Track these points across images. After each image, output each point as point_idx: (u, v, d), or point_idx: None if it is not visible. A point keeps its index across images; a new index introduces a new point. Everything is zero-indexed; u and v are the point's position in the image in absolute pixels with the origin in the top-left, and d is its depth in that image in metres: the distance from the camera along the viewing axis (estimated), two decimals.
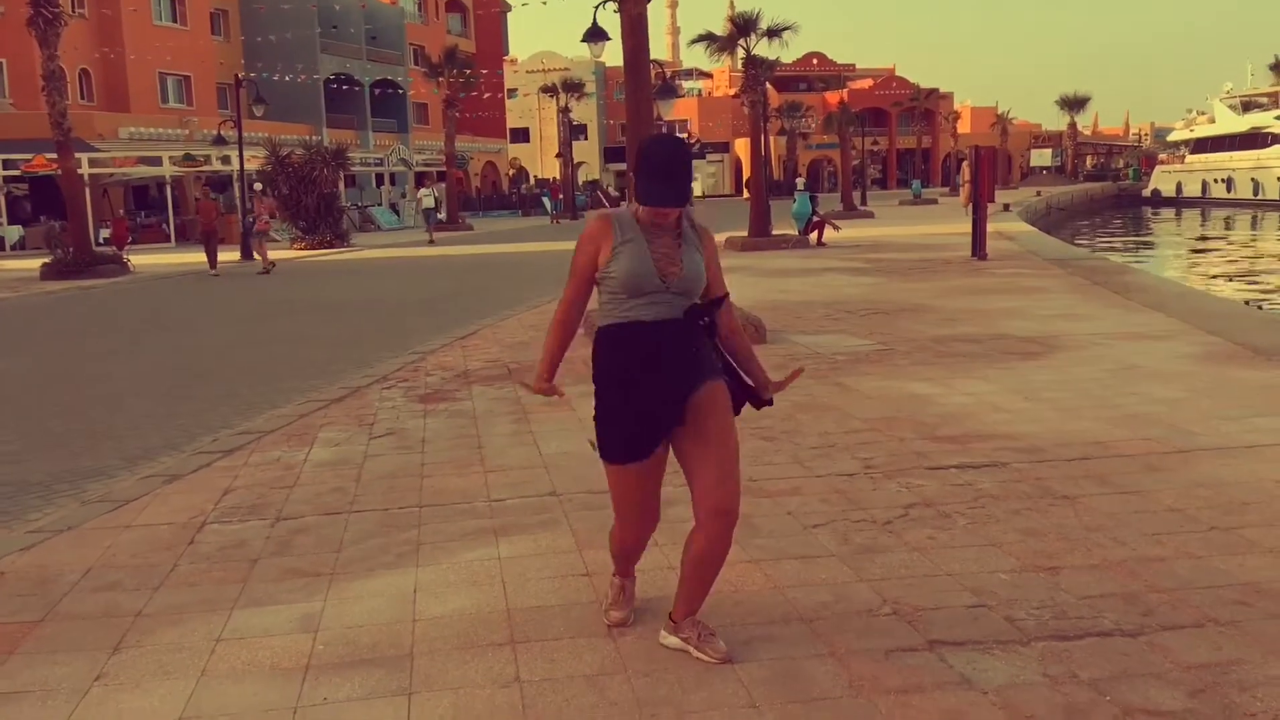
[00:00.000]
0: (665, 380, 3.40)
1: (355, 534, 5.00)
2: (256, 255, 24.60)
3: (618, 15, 10.80)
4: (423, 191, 37.25)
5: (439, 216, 37.79)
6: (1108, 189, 73.08)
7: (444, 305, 15.62)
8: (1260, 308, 14.35)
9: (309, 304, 17.03)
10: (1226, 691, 3.20)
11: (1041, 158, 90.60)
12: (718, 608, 3.94)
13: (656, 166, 3.36)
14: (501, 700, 3.32)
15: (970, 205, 19.37)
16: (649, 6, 10.72)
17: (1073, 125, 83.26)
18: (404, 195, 51.03)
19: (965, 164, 22.11)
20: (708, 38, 24.41)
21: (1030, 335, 10.06)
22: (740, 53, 24.75)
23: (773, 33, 23.58)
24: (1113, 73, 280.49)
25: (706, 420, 3.43)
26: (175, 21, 46.27)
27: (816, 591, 4.10)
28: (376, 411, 7.78)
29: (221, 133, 32.48)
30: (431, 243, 32.89)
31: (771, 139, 47.12)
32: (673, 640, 3.61)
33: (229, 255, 27.38)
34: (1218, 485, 5.22)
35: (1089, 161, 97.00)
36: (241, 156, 30.05)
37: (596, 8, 16.69)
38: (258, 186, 28.44)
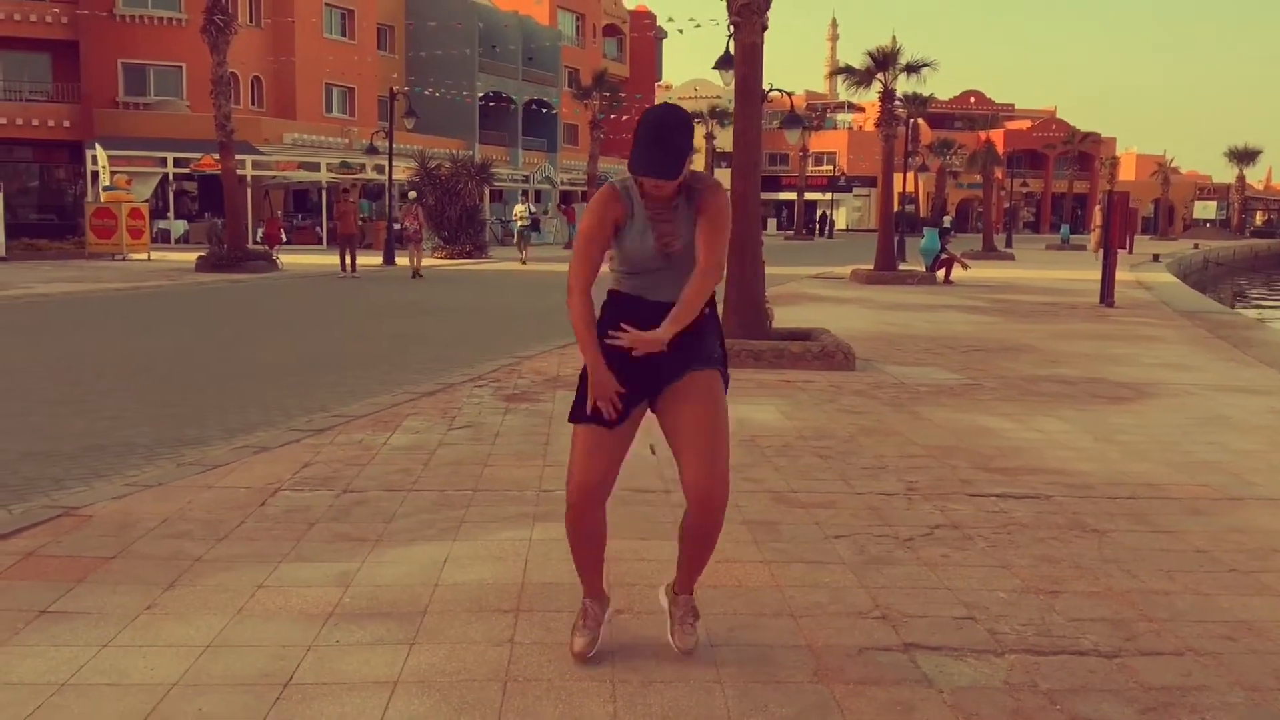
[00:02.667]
0: (650, 361, 3.43)
1: (408, 509, 5.38)
2: (411, 260, 25.31)
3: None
4: (518, 208, 33.72)
5: (536, 235, 35.32)
6: (1275, 246, 69.83)
7: (558, 314, 16.09)
8: None
9: (433, 308, 17.75)
10: (1177, 712, 3.28)
11: (1206, 210, 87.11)
12: (714, 596, 4.17)
13: (646, 132, 3.29)
14: (491, 655, 3.62)
15: (1100, 251, 18.95)
16: (765, 35, 10.97)
17: (1241, 178, 79.86)
18: (546, 212, 52.27)
19: (1098, 209, 21.64)
20: (846, 70, 24.53)
21: (1127, 381, 9.92)
22: (880, 86, 24.75)
23: (911, 68, 23.57)
24: None
25: (694, 407, 3.48)
26: (344, 35, 48.51)
27: (814, 592, 4.28)
28: (462, 406, 8.20)
29: (374, 142, 33.93)
30: (523, 263, 30.54)
31: (918, 176, 46.76)
32: (663, 602, 3.80)
33: (371, 259, 28.63)
34: (1255, 532, 5.19)
35: (1259, 217, 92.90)
36: (391, 166, 31.37)
37: (729, 37, 17.04)
38: (413, 195, 29.55)
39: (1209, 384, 9.86)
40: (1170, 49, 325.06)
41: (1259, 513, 5.55)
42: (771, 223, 74.87)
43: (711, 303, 3.58)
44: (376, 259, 29.14)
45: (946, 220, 59.37)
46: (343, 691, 3.35)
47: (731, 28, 11.07)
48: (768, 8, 10.84)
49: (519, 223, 32.51)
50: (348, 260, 24.29)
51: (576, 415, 3.58)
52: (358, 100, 49.04)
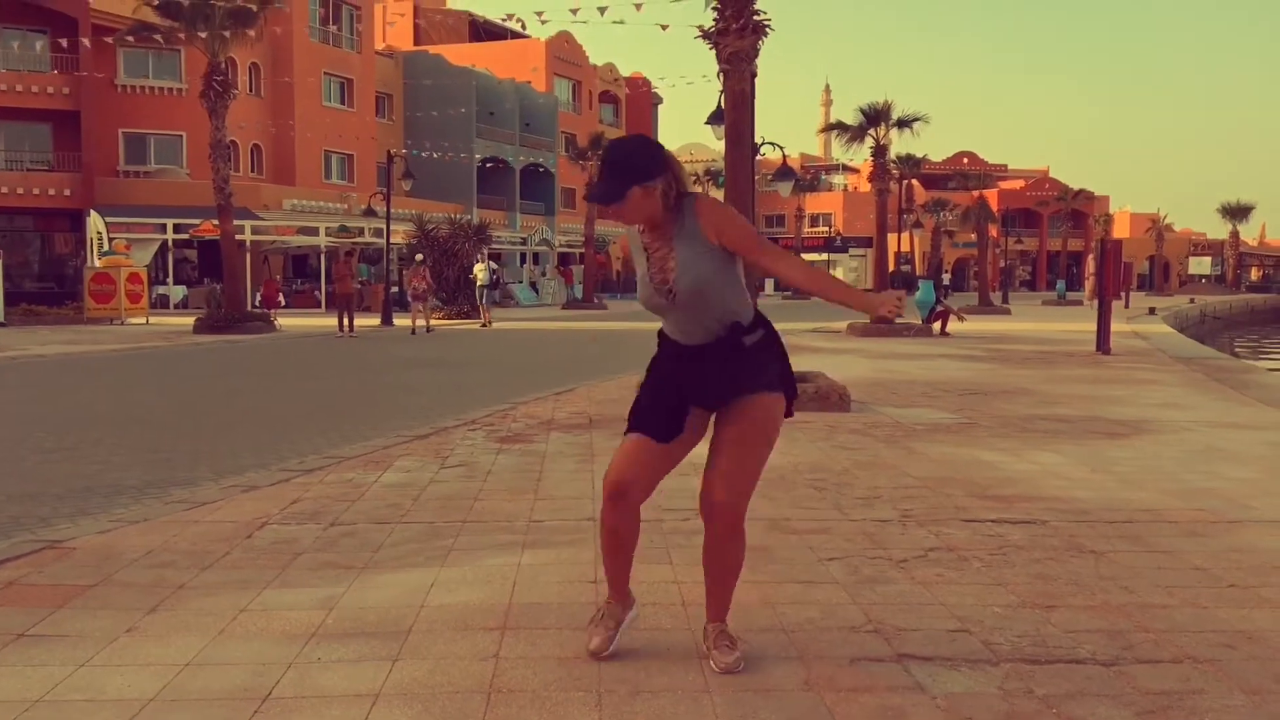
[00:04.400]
0: (700, 381, 3.48)
1: (396, 539, 5.32)
2: (415, 319, 25.90)
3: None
4: (477, 267, 31.55)
5: (495, 295, 33.25)
6: (1271, 300, 70.12)
7: (553, 368, 16.10)
8: None
9: (429, 362, 17.76)
10: (1173, 714, 3.21)
11: (1201, 266, 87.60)
12: (704, 613, 4.10)
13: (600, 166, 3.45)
14: (475, 669, 3.55)
15: (1095, 299, 19.01)
16: (754, 81, 11.10)
17: (1234, 234, 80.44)
18: (544, 274, 52.56)
19: (1091, 258, 21.75)
20: (839, 126, 24.79)
21: (1124, 419, 9.87)
22: (872, 141, 25.00)
23: (903, 123, 23.85)
24: None
25: (731, 427, 3.48)
26: (343, 103, 49.14)
27: (806, 609, 4.21)
28: (455, 448, 8.16)
29: (372, 205, 34.20)
30: (484, 325, 29.10)
31: (913, 234, 47.11)
32: (705, 643, 3.64)
33: (370, 321, 28.69)
34: (1253, 552, 5.13)
35: (1253, 272, 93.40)
36: (388, 229, 31.56)
37: (721, 93, 17.23)
38: (420, 258, 29.68)
39: (1205, 421, 9.82)
40: (1161, 108, 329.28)
41: (1258, 534, 5.49)
42: (770, 283, 75.21)
43: (766, 325, 3.52)
44: (375, 320, 29.20)
45: (946, 278, 59.73)
46: (322, 704, 3.28)
47: (721, 76, 11.19)
48: (756, 56, 10.98)
49: (479, 279, 30.73)
50: (345, 321, 24.33)
51: (629, 426, 3.64)
52: (356, 166, 49.53)
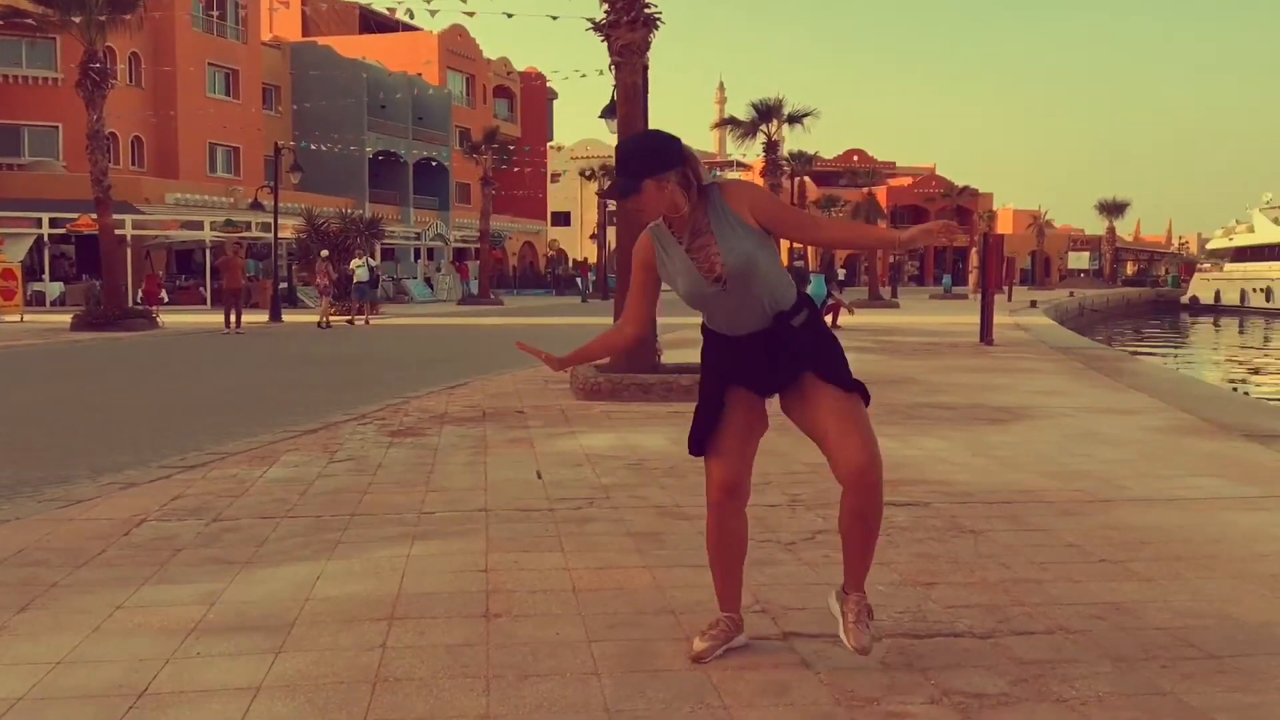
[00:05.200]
0: (763, 359, 3.39)
1: (281, 534, 5.22)
2: (323, 313, 25.85)
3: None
4: (354, 262, 29.68)
5: (375, 293, 31.41)
6: (1145, 294, 73.00)
7: (448, 363, 15.94)
8: (1247, 393, 14.37)
9: (320, 359, 17.43)
10: (1047, 681, 3.33)
11: (1080, 260, 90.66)
12: (595, 599, 4.12)
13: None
14: (360, 660, 3.50)
15: (979, 293, 19.54)
16: (646, 74, 11.14)
17: (1111, 230, 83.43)
18: (439, 269, 52.02)
19: (974, 252, 22.32)
20: (731, 122, 25.02)
21: (1004, 406, 10.17)
22: (764, 137, 25.29)
23: (794, 119, 24.16)
24: (1158, 182, 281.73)
25: (819, 401, 3.40)
26: (229, 95, 47.89)
27: (695, 592, 4.25)
28: (344, 442, 8.02)
29: (259, 199, 33.42)
30: (365, 322, 27.83)
31: None
32: (835, 607, 3.55)
33: (258, 317, 28.03)
34: (1125, 528, 5.33)
35: (1129, 267, 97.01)
36: (276, 223, 30.89)
37: (614, 87, 17.25)
38: (324, 253, 28.91)
39: (1082, 407, 10.18)
40: (1042, 108, 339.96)
41: (1129, 512, 5.71)
42: None
43: (810, 305, 3.47)
44: (263, 316, 28.53)
45: (841, 273, 60.63)
46: (201, 699, 3.20)
47: (613, 69, 11.20)
48: (647, 49, 11.02)
49: (358, 275, 28.96)
50: (232, 317, 23.73)
51: (691, 447, 3.57)
52: (243, 159, 48.33)
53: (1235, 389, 14.92)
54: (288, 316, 29.37)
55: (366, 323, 27.91)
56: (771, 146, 25.52)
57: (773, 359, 3.37)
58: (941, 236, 3.28)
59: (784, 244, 33.00)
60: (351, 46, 56.26)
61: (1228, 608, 4.06)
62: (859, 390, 3.44)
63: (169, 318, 27.21)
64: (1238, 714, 3.09)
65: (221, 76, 47.60)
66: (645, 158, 3.31)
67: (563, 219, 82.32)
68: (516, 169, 55.04)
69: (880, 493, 3.47)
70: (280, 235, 33.16)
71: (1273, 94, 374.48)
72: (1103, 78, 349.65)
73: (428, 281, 49.52)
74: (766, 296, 3.34)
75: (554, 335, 23.41)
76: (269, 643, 3.66)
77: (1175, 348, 36.98)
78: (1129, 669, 3.44)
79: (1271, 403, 13.96)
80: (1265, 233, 62.16)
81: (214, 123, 45.81)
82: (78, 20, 23.41)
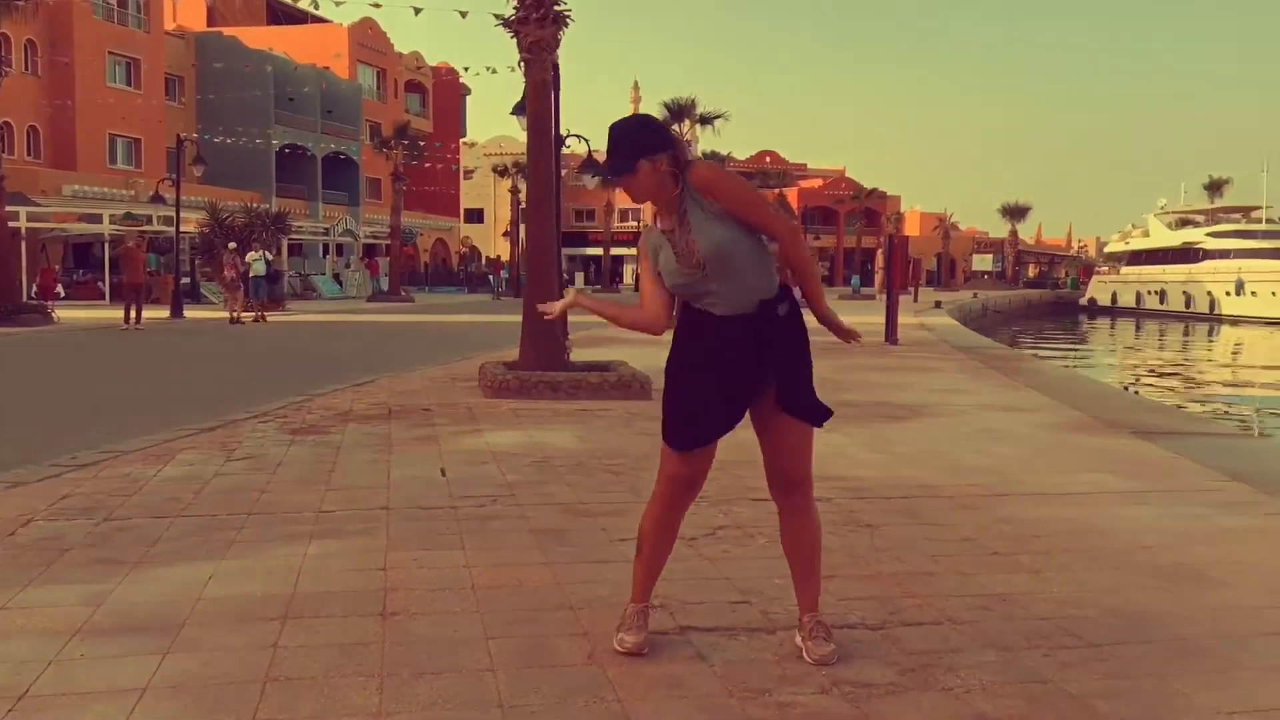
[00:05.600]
0: (742, 379, 3.39)
1: (174, 533, 5.10)
2: (231, 308, 25.62)
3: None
4: (251, 255, 28.48)
5: (280, 289, 30.85)
6: (1045, 295, 74.95)
7: (355, 360, 15.72)
8: (1136, 392, 14.87)
9: (221, 355, 17.09)
10: (933, 671, 3.41)
11: (983, 262, 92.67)
12: (494, 595, 4.11)
13: None
14: (251, 659, 3.45)
15: (885, 292, 19.90)
16: (557, 71, 11.12)
17: (1013, 232, 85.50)
18: (348, 265, 51.31)
19: (879, 252, 22.72)
20: None
21: (906, 404, 10.38)
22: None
23: (705, 119, 24.33)
24: (1060, 186, 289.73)
25: (780, 409, 3.44)
26: (129, 85, 46.60)
27: (596, 588, 4.27)
28: (244, 440, 7.87)
29: (160, 192, 32.60)
30: (256, 320, 26.32)
31: None
32: (797, 639, 3.57)
33: (159, 313, 27.31)
34: (1017, 522, 5.48)
35: (1031, 269, 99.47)
36: (178, 217, 30.16)
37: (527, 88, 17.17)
38: (233, 245, 28.14)
39: (979, 404, 10.43)
40: (950, 113, 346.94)
41: (1021, 505, 5.87)
42: (580, 277, 75.58)
43: (791, 297, 3.45)
44: (164, 312, 27.82)
45: None
46: (83, 701, 3.12)
47: (523, 65, 11.16)
48: (557, 46, 11.01)
49: (255, 268, 27.74)
50: (133, 312, 23.08)
51: (677, 442, 3.49)
52: (145, 151, 47.02)
53: (1126, 389, 15.43)
54: (190, 312, 28.70)
55: (263, 319, 26.71)
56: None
57: (760, 350, 3.35)
58: (847, 338, 3.58)
59: None
60: (258, 37, 55.08)
61: (1110, 597, 4.20)
62: (825, 416, 3.50)
63: (65, 313, 26.37)
64: (1113, 700, 3.20)
65: (122, 66, 46.28)
66: (640, 139, 3.34)
67: (476, 216, 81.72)
68: (429, 165, 54.53)
69: (815, 512, 3.61)
70: (183, 229, 32.38)
71: (1169, 100, 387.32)
72: (1008, 83, 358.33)
73: (336, 278, 48.78)
74: (754, 281, 3.34)
75: (467, 332, 23.26)
76: (157, 644, 3.59)
77: (1073, 348, 38.04)
78: (1012, 658, 3.54)
79: (1160, 401, 14.47)
80: (1160, 237, 64.20)
81: (114, 113, 44.54)
82: None
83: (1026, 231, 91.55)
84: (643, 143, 3.34)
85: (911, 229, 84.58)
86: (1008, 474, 6.78)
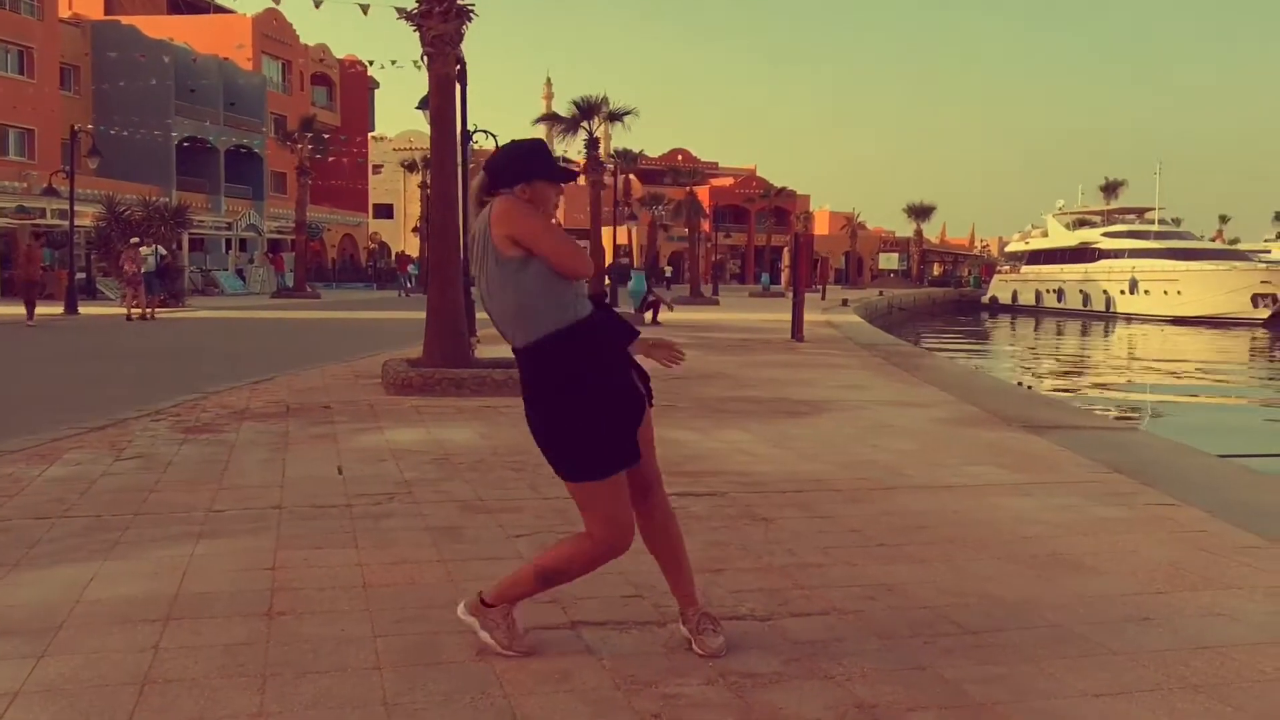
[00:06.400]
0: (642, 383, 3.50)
1: (56, 534, 4.97)
2: (128, 304, 24.99)
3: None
4: (144, 250, 26.66)
5: (174, 284, 29.41)
6: (949, 294, 76.55)
7: (256, 357, 15.43)
8: (1029, 388, 15.30)
9: (116, 353, 16.64)
10: (818, 660, 3.48)
11: (890, 261, 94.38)
12: (384, 594, 4.09)
13: (541, 149, 3.55)
14: (129, 662, 3.38)
15: (791, 289, 20.14)
16: (462, 66, 11.05)
17: (918, 232, 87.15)
18: (251, 261, 50.30)
19: (786, 250, 23.02)
20: (552, 118, 25.06)
21: (807, 399, 10.53)
22: (585, 134, 25.43)
23: (615, 116, 24.36)
24: (963, 187, 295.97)
25: (648, 427, 3.59)
26: (21, 73, 45.01)
27: (487, 584, 4.24)
28: (134, 439, 7.69)
29: (54, 184, 31.60)
30: (144, 318, 24.99)
31: (630, 227, 48.37)
32: (682, 630, 3.59)
33: (52, 309, 26.47)
34: (904, 514, 5.60)
35: (936, 268, 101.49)
36: (72, 210, 29.24)
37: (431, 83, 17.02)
38: (135, 240, 27.22)
39: (879, 400, 10.63)
40: (858, 112, 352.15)
41: (909, 498, 6.01)
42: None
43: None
44: (58, 308, 26.97)
45: (668, 270, 61.36)
46: None
47: (426, 60, 11.06)
48: (460, 40, 10.93)
49: (147, 264, 26.09)
50: (32, 307, 22.43)
51: (604, 469, 3.35)
52: (38, 142, 45.44)
53: (1020, 384, 15.86)
54: (85, 308, 27.86)
55: (152, 316, 25.47)
56: (593, 144, 25.65)
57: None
58: (659, 354, 3.65)
59: (607, 240, 33.19)
60: (158, 27, 53.64)
61: (990, 586, 4.33)
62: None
63: None
64: (987, 684, 3.30)
65: (14, 54, 44.64)
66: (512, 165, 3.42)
67: (385, 211, 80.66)
68: (335, 159, 53.62)
69: (670, 507, 3.68)
70: (78, 223, 31.42)
71: (1070, 101, 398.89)
72: (917, 84, 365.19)
73: (239, 273, 47.79)
74: (519, 320, 3.40)
75: (373, 329, 22.96)
76: (32, 647, 3.49)
77: (975, 345, 38.94)
78: (893, 646, 3.63)
79: (1053, 396, 14.90)
80: (1058, 237, 65.99)
81: (5, 103, 42.93)
82: None
83: (931, 231, 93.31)
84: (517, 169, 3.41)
85: (820, 228, 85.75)
86: (898, 468, 6.93)
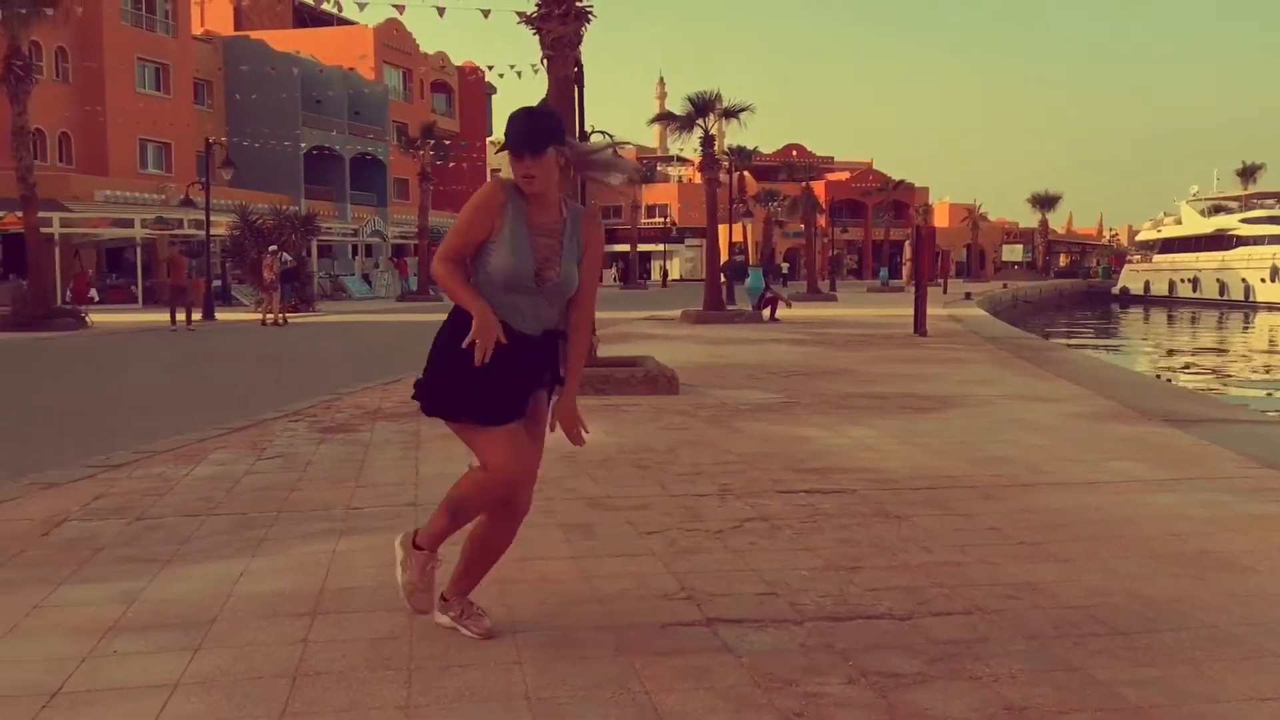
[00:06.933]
0: (528, 366, 3.56)
1: (205, 531, 5.16)
2: (265, 310, 25.85)
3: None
4: (285, 256, 27.46)
5: (304, 289, 29.90)
6: (1077, 285, 74.31)
7: (384, 360, 15.79)
8: (1169, 381, 14.73)
9: (252, 356, 17.23)
10: (962, 660, 3.40)
11: (1013, 253, 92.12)
12: (520, 590, 4.13)
13: (516, 117, 3.40)
14: (281, 655, 3.48)
15: (912, 284, 19.79)
16: (580, 68, 11.14)
17: (1043, 222, 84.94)
18: (377, 266, 51.60)
19: (907, 244, 22.62)
20: (667, 117, 25.10)
21: (933, 395, 10.33)
22: (700, 131, 25.41)
23: (729, 113, 24.28)
24: (1090, 175, 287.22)
25: (540, 409, 3.75)
26: (159, 90, 47.04)
27: (622, 580, 4.28)
28: (274, 439, 7.94)
29: (190, 196, 32.91)
30: (277, 323, 25.31)
31: (745, 224, 48.20)
32: (444, 619, 3.68)
33: (193, 315, 27.59)
34: (1043, 511, 5.44)
35: (1062, 259, 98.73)
36: (208, 220, 30.44)
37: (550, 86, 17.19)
38: (273, 248, 28.32)
39: (1008, 394, 10.36)
40: (979, 103, 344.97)
41: (1047, 495, 5.84)
42: (608, 273, 75.69)
43: (559, 339, 3.65)
44: (196, 315, 28.07)
45: (784, 266, 60.93)
46: (115, 697, 3.16)
47: (545, 63, 11.18)
48: (579, 42, 11.02)
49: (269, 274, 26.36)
50: (180, 314, 23.53)
51: (485, 416, 3.51)
52: (175, 155, 47.49)
53: (1159, 376, 15.29)
54: (221, 314, 28.98)
55: (284, 321, 26.09)
56: (708, 141, 25.61)
57: (541, 362, 3.59)
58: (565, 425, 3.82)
59: (723, 237, 33.11)
60: (285, 40, 55.53)
61: (1138, 585, 4.17)
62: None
63: (99, 317, 26.69)
64: (1142, 687, 3.18)
65: (151, 71, 46.75)
66: (551, 124, 3.44)
67: None
68: (455, 164, 54.64)
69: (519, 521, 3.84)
70: (213, 232, 32.67)
71: (1202, 86, 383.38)
72: (1038, 71, 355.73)
73: (366, 279, 49.08)
74: (557, 312, 3.55)
75: None
76: (187, 640, 3.63)
77: (1106, 338, 37.73)
78: (1041, 646, 3.52)
79: (1194, 389, 14.32)
80: (1192, 224, 63.50)
81: (144, 118, 44.96)
82: None
83: (1057, 221, 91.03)
84: (554, 131, 3.41)
85: (940, 220, 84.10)
86: (1034, 464, 6.74)
